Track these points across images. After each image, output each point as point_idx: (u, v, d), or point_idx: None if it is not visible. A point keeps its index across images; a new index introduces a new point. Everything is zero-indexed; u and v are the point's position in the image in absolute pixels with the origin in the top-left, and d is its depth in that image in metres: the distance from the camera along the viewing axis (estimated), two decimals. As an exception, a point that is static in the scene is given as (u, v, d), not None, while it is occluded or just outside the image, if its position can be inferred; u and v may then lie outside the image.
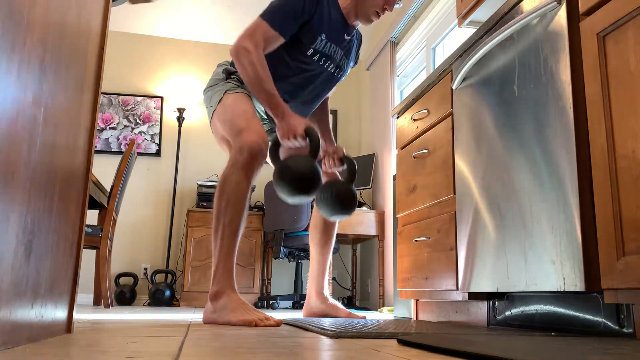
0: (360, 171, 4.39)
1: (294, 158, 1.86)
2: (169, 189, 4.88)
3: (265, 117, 2.14)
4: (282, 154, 1.97)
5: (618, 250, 1.10)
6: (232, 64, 2.14)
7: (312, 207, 3.95)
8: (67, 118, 1.05)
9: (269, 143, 1.92)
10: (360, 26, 2.20)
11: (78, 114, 1.14)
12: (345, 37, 2.09)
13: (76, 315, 1.32)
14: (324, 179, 2.14)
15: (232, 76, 2.08)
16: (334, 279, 4.70)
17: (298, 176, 1.80)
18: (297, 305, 4.30)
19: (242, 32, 1.93)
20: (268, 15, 1.93)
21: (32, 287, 0.90)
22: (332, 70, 2.11)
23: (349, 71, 2.25)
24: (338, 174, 2.25)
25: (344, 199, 1.99)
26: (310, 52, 2.02)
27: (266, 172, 1.94)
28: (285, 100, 2.11)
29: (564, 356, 0.78)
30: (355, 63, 2.31)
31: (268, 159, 2.17)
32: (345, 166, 2.13)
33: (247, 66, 1.87)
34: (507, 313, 1.65)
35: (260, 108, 2.10)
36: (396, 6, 2.08)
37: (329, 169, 2.20)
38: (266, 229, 4.24)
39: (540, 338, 1.16)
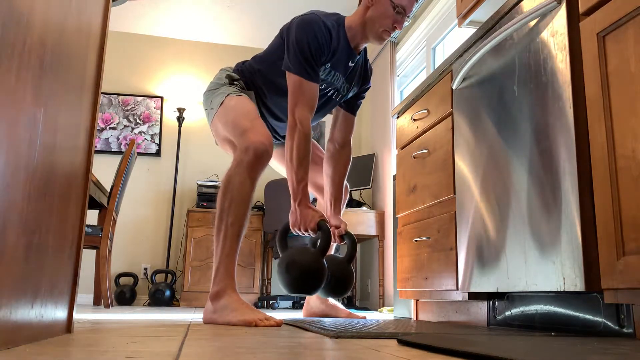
0: (360, 171, 4.39)
1: (302, 252, 1.83)
2: (169, 189, 4.88)
3: (266, 117, 2.13)
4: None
5: (618, 250, 1.10)
6: (234, 70, 2.13)
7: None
8: (67, 118, 1.05)
9: (280, 228, 1.94)
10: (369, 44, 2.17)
11: (78, 114, 1.14)
12: (349, 64, 2.07)
13: (76, 315, 1.32)
14: None
15: (235, 82, 2.08)
16: (334, 279, 4.69)
17: (304, 274, 1.78)
18: (297, 305, 4.30)
19: (291, 95, 1.91)
20: (301, 69, 1.90)
21: (32, 287, 0.90)
22: (331, 95, 2.09)
23: (350, 95, 2.19)
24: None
25: (339, 285, 1.98)
26: None
27: (266, 171, 1.93)
28: (280, 120, 2.11)
29: (564, 356, 0.78)
30: (367, 85, 2.24)
31: (271, 164, 2.17)
32: (345, 242, 2.08)
33: (296, 144, 1.87)
34: (507, 313, 1.65)
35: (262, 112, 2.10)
36: (405, 24, 2.05)
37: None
38: (266, 229, 4.24)
39: (540, 338, 1.16)
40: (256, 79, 2.07)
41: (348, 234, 2.07)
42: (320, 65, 1.96)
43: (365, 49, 2.18)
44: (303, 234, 1.91)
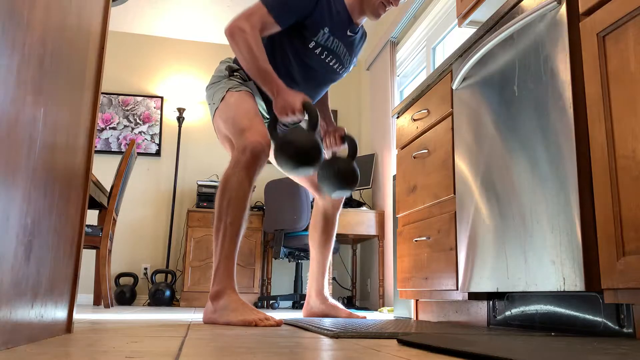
0: (360, 171, 4.39)
1: (294, 132, 1.86)
2: (169, 189, 4.88)
3: (267, 116, 2.13)
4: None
5: (618, 250, 1.10)
6: (234, 60, 2.13)
7: (311, 207, 3.95)
8: (67, 118, 1.05)
9: (269, 120, 1.95)
10: (365, 22, 2.19)
11: (78, 114, 1.14)
12: (349, 33, 2.08)
13: (76, 315, 1.32)
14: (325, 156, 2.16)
15: (235, 73, 2.07)
16: (334, 279, 4.70)
17: (300, 149, 1.80)
18: (297, 305, 4.30)
19: (239, 13, 1.92)
20: (269, 1, 1.92)
21: (32, 287, 0.90)
22: (335, 66, 2.10)
23: (351, 68, 2.24)
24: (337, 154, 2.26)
25: (346, 176, 2.00)
26: (312, 44, 2.00)
27: (266, 171, 1.93)
28: (297, 83, 2.10)
29: (564, 356, 0.78)
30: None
31: (271, 158, 2.16)
32: (346, 144, 2.16)
33: (242, 45, 1.87)
34: (507, 313, 1.65)
35: (263, 106, 2.09)
36: (402, 1, 2.06)
37: (330, 148, 2.22)
38: (266, 229, 4.24)
39: (540, 338, 1.16)
40: None
41: (347, 135, 2.17)
42: (297, 11, 1.94)
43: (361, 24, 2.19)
44: (292, 119, 1.90)
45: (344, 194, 2.09)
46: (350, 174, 2.01)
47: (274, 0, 1.92)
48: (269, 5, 1.91)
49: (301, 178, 2.30)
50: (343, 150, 2.20)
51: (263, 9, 1.91)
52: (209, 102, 2.12)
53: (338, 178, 1.98)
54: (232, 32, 1.89)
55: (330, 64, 2.08)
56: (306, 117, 1.88)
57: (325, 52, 2.03)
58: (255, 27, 1.89)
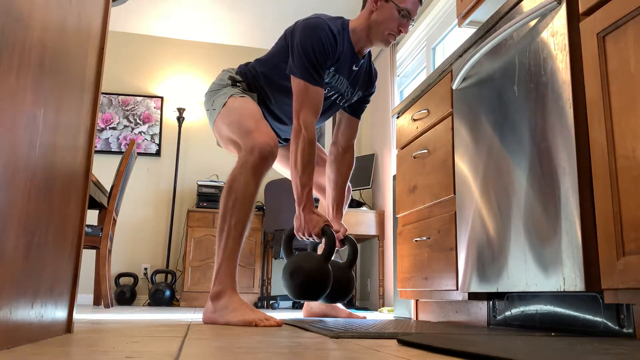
0: (360, 171, 4.39)
1: (308, 259, 1.83)
2: (169, 189, 4.88)
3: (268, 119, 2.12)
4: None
5: (618, 250, 1.10)
6: (237, 72, 2.13)
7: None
8: (67, 118, 1.05)
9: (284, 233, 1.94)
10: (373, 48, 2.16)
11: (78, 114, 1.14)
12: (353, 68, 2.06)
13: (76, 315, 1.32)
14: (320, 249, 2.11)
15: (238, 84, 2.07)
16: (334, 279, 4.69)
17: (309, 281, 1.79)
18: (297, 305, 4.30)
19: (296, 99, 1.90)
20: (304, 74, 1.89)
21: (32, 287, 0.90)
22: (335, 99, 2.09)
23: (355, 98, 2.19)
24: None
25: (341, 290, 1.98)
26: None
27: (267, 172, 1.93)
28: (283, 122, 2.11)
29: (564, 356, 0.78)
30: (371, 89, 2.24)
31: (274, 165, 2.16)
32: (346, 247, 2.08)
33: (300, 149, 1.86)
34: (507, 313, 1.65)
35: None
36: (409, 27, 2.03)
37: None
38: (266, 229, 4.24)
39: (540, 338, 1.16)
40: (259, 82, 2.07)
41: (348, 239, 2.06)
42: (325, 70, 1.95)
43: (369, 53, 2.16)
44: (307, 239, 1.91)
45: (334, 303, 2.07)
46: (344, 288, 1.98)
47: (310, 69, 1.89)
48: (310, 78, 1.89)
49: None
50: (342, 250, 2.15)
51: (306, 85, 1.89)
52: (208, 109, 2.10)
53: (331, 291, 1.95)
54: (298, 129, 1.88)
55: (332, 98, 2.08)
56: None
57: (328, 89, 2.03)
58: (315, 112, 1.90)
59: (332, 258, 2.04)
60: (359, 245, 4.84)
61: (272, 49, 2.08)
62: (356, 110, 2.23)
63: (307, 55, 1.88)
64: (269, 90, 2.05)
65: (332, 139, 2.27)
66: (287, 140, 2.22)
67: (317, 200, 2.65)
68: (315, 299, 1.84)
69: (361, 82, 2.14)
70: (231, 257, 1.80)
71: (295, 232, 1.92)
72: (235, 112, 1.95)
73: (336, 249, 2.07)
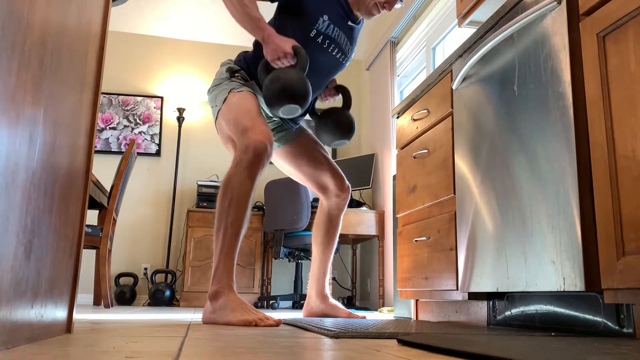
0: (360, 171, 4.39)
1: (283, 69, 1.88)
2: (169, 189, 4.88)
3: (270, 115, 2.12)
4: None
5: (618, 250, 1.10)
6: (235, 61, 2.13)
7: (311, 207, 3.95)
8: (67, 118, 1.05)
9: (259, 66, 1.96)
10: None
11: (78, 114, 1.14)
12: (349, 23, 2.07)
13: (76, 315, 1.32)
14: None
15: (236, 74, 2.07)
16: (334, 279, 4.70)
17: (288, 84, 1.82)
18: (297, 305, 4.30)
19: None
20: None
21: (32, 287, 0.90)
22: (337, 56, 2.09)
23: (352, 57, 2.22)
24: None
25: (343, 125, 2.12)
26: (313, 33, 1.99)
27: (266, 171, 1.93)
28: None
29: (564, 356, 0.78)
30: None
31: (276, 163, 2.16)
32: (340, 95, 2.23)
33: None
34: (507, 313, 1.65)
35: (265, 106, 2.09)
36: (396, 6, 2.06)
37: (325, 99, 2.27)
38: (266, 229, 4.24)
39: (540, 338, 1.16)
40: (258, 54, 2.05)
41: (340, 86, 2.23)
42: None
43: (362, 19, 2.18)
44: (282, 63, 1.90)
45: (342, 144, 2.18)
46: (347, 123, 2.13)
47: None
48: None
49: (303, 177, 2.29)
50: (338, 101, 2.27)
51: None
52: (212, 105, 2.11)
53: (336, 128, 2.10)
54: None
55: (333, 53, 2.07)
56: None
57: (327, 41, 2.02)
58: None
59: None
60: (358, 245, 4.85)
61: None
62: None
63: None
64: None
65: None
66: (292, 120, 2.22)
67: (316, 200, 2.65)
68: (297, 101, 1.84)
69: (356, 41, 2.18)
70: (228, 256, 1.79)
71: (270, 62, 1.93)
72: (233, 110, 1.95)
73: (332, 98, 2.25)
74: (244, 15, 1.90)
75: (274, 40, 1.88)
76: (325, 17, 1.99)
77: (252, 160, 1.80)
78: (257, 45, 2.06)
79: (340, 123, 2.12)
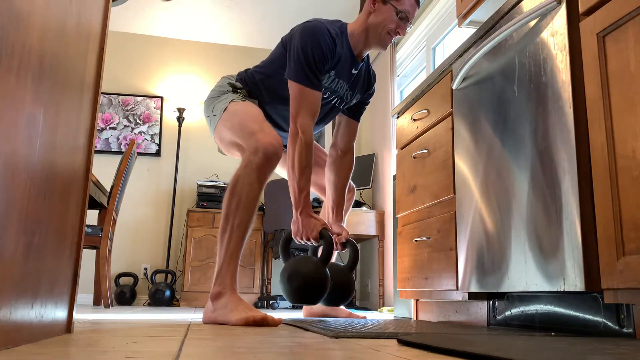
0: (360, 171, 4.39)
1: (305, 262, 1.83)
2: (169, 189, 4.88)
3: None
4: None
5: (618, 250, 1.10)
6: (237, 79, 2.12)
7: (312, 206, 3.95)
8: (67, 118, 1.05)
9: (282, 236, 1.94)
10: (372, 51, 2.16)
11: (78, 114, 1.14)
12: (353, 72, 2.06)
13: (76, 315, 1.32)
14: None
15: (238, 90, 2.07)
16: (334, 279, 4.69)
17: (306, 285, 1.79)
18: (297, 305, 4.29)
19: (293, 103, 1.89)
20: (301, 77, 1.88)
21: (32, 287, 0.90)
22: (334, 103, 2.08)
23: (354, 101, 2.18)
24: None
25: (341, 293, 1.99)
26: None
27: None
28: (282, 129, 2.10)
29: (564, 356, 0.78)
30: (370, 91, 2.23)
31: (278, 170, 2.15)
32: (347, 250, 2.08)
33: (297, 153, 1.87)
34: (507, 313, 1.65)
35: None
36: (408, 29, 2.02)
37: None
38: (266, 229, 4.24)
39: (540, 338, 1.16)
40: (258, 88, 2.06)
41: (349, 242, 2.05)
42: (324, 74, 1.94)
43: (367, 56, 2.16)
44: (305, 242, 1.91)
45: (335, 306, 2.08)
46: (344, 291, 1.99)
47: (308, 72, 1.88)
48: (307, 82, 1.88)
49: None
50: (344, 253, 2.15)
51: (303, 88, 1.88)
52: (208, 115, 2.09)
53: (331, 294, 1.96)
54: (295, 133, 1.88)
55: (332, 102, 2.07)
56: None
57: (328, 93, 2.03)
58: (312, 116, 1.90)
59: (333, 260, 2.03)
60: (359, 245, 4.85)
61: (270, 56, 2.08)
62: (355, 112, 2.23)
63: (306, 58, 1.88)
64: (267, 96, 2.04)
65: (331, 141, 2.27)
66: (286, 146, 2.21)
67: (321, 202, 2.65)
68: (312, 303, 1.84)
69: (360, 85, 2.14)
70: (233, 258, 1.79)
71: (293, 236, 1.92)
72: (237, 115, 1.94)
73: (336, 251, 2.07)
74: (292, 180, 1.88)
75: (305, 219, 1.88)
76: (332, 73, 1.99)
77: (262, 162, 1.79)
78: (267, 77, 2.04)
79: (337, 287, 1.96)
